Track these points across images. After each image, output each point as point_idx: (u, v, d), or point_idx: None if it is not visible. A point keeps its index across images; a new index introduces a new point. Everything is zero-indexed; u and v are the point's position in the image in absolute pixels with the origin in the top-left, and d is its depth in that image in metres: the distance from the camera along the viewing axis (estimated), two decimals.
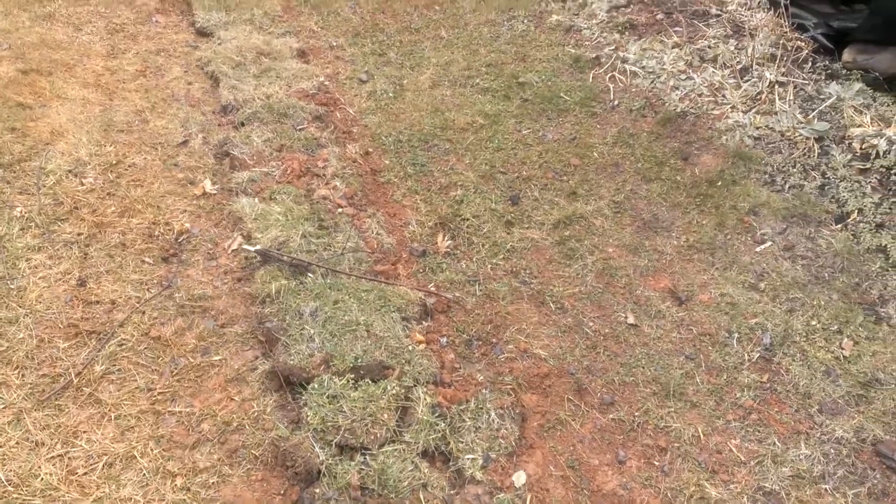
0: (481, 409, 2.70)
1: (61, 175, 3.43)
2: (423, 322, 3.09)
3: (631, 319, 3.17)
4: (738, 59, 4.57)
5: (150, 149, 3.75)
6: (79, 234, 3.18)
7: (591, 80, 4.77)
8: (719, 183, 3.83)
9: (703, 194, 3.80)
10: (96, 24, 4.66)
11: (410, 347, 2.86)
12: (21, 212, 3.21)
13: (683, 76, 4.59)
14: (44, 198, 3.30)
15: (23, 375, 2.62)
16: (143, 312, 2.94)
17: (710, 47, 4.73)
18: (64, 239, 3.14)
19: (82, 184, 3.42)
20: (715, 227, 3.61)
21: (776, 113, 4.14)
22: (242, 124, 4.04)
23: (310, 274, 3.14)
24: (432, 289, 3.27)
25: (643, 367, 2.94)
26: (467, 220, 3.66)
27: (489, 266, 3.42)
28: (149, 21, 4.84)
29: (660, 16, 5.16)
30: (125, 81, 4.21)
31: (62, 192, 3.35)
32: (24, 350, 2.69)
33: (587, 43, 5.11)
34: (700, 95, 4.42)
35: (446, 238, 3.56)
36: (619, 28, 5.16)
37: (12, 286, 2.90)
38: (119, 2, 4.95)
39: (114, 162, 3.59)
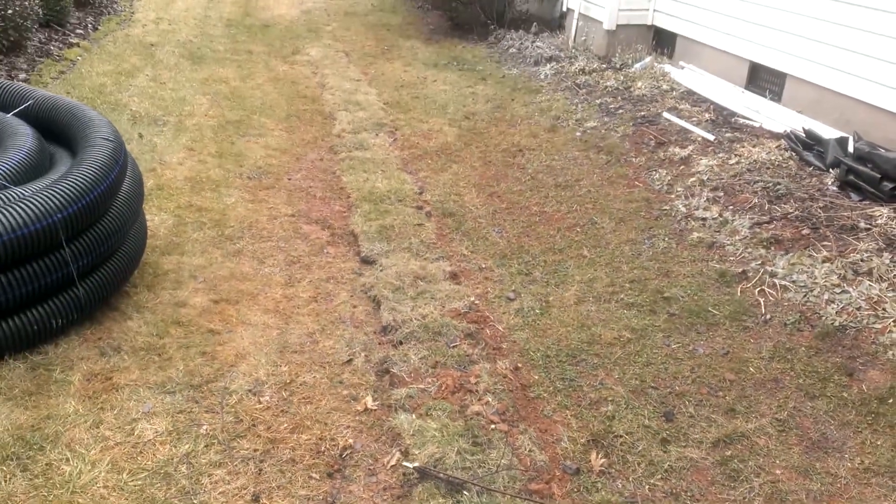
0: None
1: (242, 395, 3.79)
2: None
3: None
4: (894, 273, 4.47)
5: (319, 367, 4.09)
6: (255, 450, 3.44)
7: (739, 294, 4.78)
8: (890, 400, 3.62)
9: (874, 412, 3.58)
10: (277, 257, 5.32)
11: None
12: (207, 429, 3.54)
13: (838, 290, 4.51)
14: (226, 416, 3.64)
15: None
16: None
17: (862, 261, 4.67)
18: (242, 455, 3.41)
19: (260, 402, 3.75)
20: (891, 449, 3.36)
21: None
22: (401, 343, 4.35)
23: (465, 492, 3.18)
24: None
25: None
26: (620, 436, 3.63)
27: (647, 487, 3.33)
28: (321, 252, 5.47)
29: (805, 231, 5.20)
30: (299, 307, 4.70)
31: (242, 411, 3.68)
32: None
33: (731, 258, 5.19)
34: (858, 309, 4.31)
35: (600, 456, 3.52)
36: (764, 243, 5.23)
37: (195, 501, 3.14)
38: (296, 237, 5.65)
39: (287, 381, 3.94)
